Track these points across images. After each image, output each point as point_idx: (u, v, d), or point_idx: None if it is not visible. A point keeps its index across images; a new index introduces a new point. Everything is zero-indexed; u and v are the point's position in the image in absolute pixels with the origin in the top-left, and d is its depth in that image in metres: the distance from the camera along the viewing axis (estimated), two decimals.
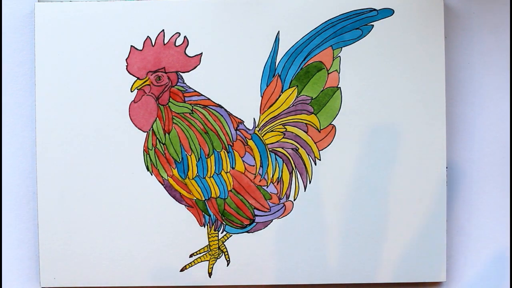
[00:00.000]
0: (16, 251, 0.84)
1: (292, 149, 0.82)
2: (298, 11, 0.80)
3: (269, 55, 0.81)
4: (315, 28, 0.80)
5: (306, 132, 0.82)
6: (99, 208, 0.81)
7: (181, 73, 0.81)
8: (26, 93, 0.83)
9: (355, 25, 0.80)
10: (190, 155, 0.81)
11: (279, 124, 0.82)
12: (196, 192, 0.81)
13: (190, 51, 0.81)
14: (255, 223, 0.82)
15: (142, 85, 0.80)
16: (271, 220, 0.82)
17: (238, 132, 0.81)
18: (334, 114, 0.81)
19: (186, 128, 0.81)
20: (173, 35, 0.80)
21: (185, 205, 0.82)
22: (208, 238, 0.82)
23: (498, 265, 0.84)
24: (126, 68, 0.80)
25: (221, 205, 0.82)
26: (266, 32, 0.80)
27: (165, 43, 0.80)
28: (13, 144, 0.83)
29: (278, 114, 0.82)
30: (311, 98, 0.81)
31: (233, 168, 0.81)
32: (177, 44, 0.80)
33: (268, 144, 0.82)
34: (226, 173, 0.81)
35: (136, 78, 0.80)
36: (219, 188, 0.81)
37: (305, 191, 0.81)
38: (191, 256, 0.82)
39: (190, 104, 0.81)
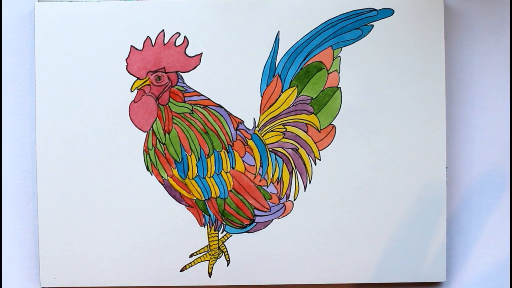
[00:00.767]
0: (16, 251, 0.84)
1: (292, 149, 0.82)
2: (298, 11, 0.80)
3: (269, 55, 0.81)
4: (315, 28, 0.80)
5: (306, 132, 0.82)
6: (99, 208, 0.81)
7: (181, 73, 0.81)
8: (26, 93, 0.83)
9: (355, 25, 0.80)
10: (190, 155, 0.81)
11: (279, 124, 0.82)
12: (196, 192, 0.81)
13: (190, 51, 0.81)
14: (255, 223, 0.82)
15: (142, 85, 0.80)
16: (271, 220, 0.82)
17: (238, 132, 0.81)
18: (334, 114, 0.81)
19: (186, 128, 0.81)
20: (173, 35, 0.80)
21: (185, 205, 0.82)
22: (208, 238, 0.82)
23: (498, 265, 0.84)
24: (126, 68, 0.80)
25: (221, 205, 0.82)
26: (266, 32, 0.80)
27: (165, 43, 0.80)
28: (13, 144, 0.83)
29: (278, 114, 0.82)
30: (311, 98, 0.81)
31: (233, 168, 0.81)
32: (177, 44, 0.80)
33: (268, 144, 0.82)
34: (226, 173, 0.81)
35: (136, 78, 0.80)
36: (219, 188, 0.82)
37: (305, 191, 0.81)
38: (191, 256, 0.82)
39: (190, 104, 0.81)
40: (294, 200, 0.82)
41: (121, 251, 0.81)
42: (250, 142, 0.82)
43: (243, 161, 0.81)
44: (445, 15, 0.81)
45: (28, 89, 0.83)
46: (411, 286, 0.83)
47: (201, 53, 0.80)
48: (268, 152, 0.82)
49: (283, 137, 0.82)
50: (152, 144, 0.81)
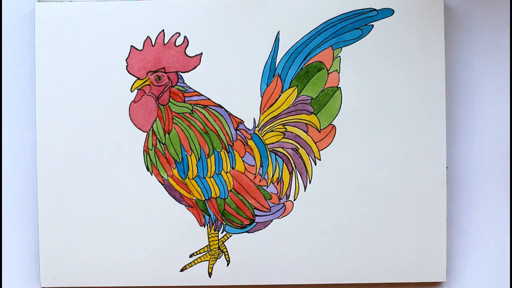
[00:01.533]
0: (16, 251, 0.84)
1: (292, 149, 0.82)
2: (298, 11, 0.80)
3: (269, 55, 0.81)
4: (315, 28, 0.80)
5: (306, 132, 0.82)
6: (99, 208, 0.81)
7: (181, 73, 0.81)
8: (26, 93, 0.83)
9: (355, 25, 0.80)
10: (190, 155, 0.81)
11: (279, 124, 0.82)
12: (196, 192, 0.81)
13: (190, 51, 0.81)
14: (255, 223, 0.82)
15: (142, 85, 0.80)
16: (271, 220, 0.82)
17: (238, 132, 0.81)
18: (334, 114, 0.81)
19: (186, 128, 0.81)
20: (173, 35, 0.80)
21: (185, 205, 0.82)
22: (208, 238, 0.82)
23: (498, 265, 0.84)
24: (126, 68, 0.80)
25: (221, 205, 0.82)
26: (266, 32, 0.80)
27: (165, 43, 0.80)
28: (13, 144, 0.83)
29: (278, 114, 0.82)
30: (311, 98, 0.81)
31: (233, 168, 0.81)
32: (177, 44, 0.80)
33: (268, 144, 0.82)
34: (226, 173, 0.81)
35: (136, 78, 0.80)
36: (219, 188, 0.81)
37: (305, 191, 0.81)
38: (191, 256, 0.82)
39: (190, 104, 0.81)
40: (294, 200, 0.82)
41: (121, 251, 0.81)
42: (250, 142, 0.82)
43: (243, 161, 0.81)
44: (445, 15, 0.81)
45: (28, 89, 0.83)
46: (411, 286, 0.83)
47: (201, 53, 0.80)
48: (268, 152, 0.82)
49: (283, 137, 0.82)
50: (152, 144, 0.81)
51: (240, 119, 0.81)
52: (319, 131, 0.81)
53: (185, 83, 0.81)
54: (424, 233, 0.81)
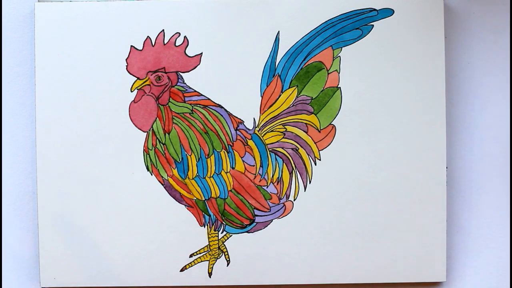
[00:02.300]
0: (16, 251, 0.84)
1: (292, 149, 0.82)
2: (298, 11, 0.80)
3: (269, 55, 0.81)
4: (315, 28, 0.80)
5: (306, 132, 0.82)
6: (99, 208, 0.81)
7: (181, 73, 0.81)
8: (26, 93, 0.83)
9: (355, 25, 0.80)
10: (190, 155, 0.81)
11: (279, 124, 0.82)
12: (196, 192, 0.81)
13: (190, 51, 0.81)
14: (255, 223, 0.82)
15: (142, 85, 0.80)
16: (271, 220, 0.82)
17: (238, 132, 0.81)
18: (334, 114, 0.81)
19: (186, 128, 0.81)
20: (173, 35, 0.80)
21: (185, 205, 0.82)
22: (208, 238, 0.82)
23: (498, 265, 0.84)
24: (126, 68, 0.80)
25: (221, 205, 0.82)
26: (266, 32, 0.80)
27: (165, 43, 0.80)
28: (13, 144, 0.83)
29: (278, 114, 0.82)
30: (311, 98, 0.81)
31: (233, 168, 0.81)
32: (177, 44, 0.80)
33: (268, 144, 0.82)
34: (226, 173, 0.81)
35: (136, 78, 0.80)
36: (219, 188, 0.81)
37: (305, 191, 0.81)
38: (191, 256, 0.82)
39: (190, 104, 0.81)
40: (294, 200, 0.82)
41: (121, 251, 0.81)
42: (250, 142, 0.82)
43: (243, 161, 0.81)
44: (445, 15, 0.81)
45: (28, 89, 0.83)
46: (411, 286, 0.83)
47: (201, 53, 0.80)
48: (268, 152, 0.82)
49: (283, 137, 0.82)
50: (152, 144, 0.81)
51: (240, 119, 0.81)
52: (319, 131, 0.81)
53: (185, 83, 0.81)
54: (424, 233, 0.81)
